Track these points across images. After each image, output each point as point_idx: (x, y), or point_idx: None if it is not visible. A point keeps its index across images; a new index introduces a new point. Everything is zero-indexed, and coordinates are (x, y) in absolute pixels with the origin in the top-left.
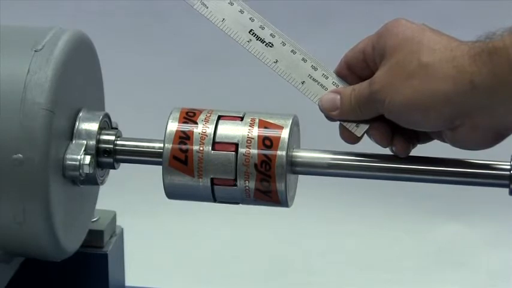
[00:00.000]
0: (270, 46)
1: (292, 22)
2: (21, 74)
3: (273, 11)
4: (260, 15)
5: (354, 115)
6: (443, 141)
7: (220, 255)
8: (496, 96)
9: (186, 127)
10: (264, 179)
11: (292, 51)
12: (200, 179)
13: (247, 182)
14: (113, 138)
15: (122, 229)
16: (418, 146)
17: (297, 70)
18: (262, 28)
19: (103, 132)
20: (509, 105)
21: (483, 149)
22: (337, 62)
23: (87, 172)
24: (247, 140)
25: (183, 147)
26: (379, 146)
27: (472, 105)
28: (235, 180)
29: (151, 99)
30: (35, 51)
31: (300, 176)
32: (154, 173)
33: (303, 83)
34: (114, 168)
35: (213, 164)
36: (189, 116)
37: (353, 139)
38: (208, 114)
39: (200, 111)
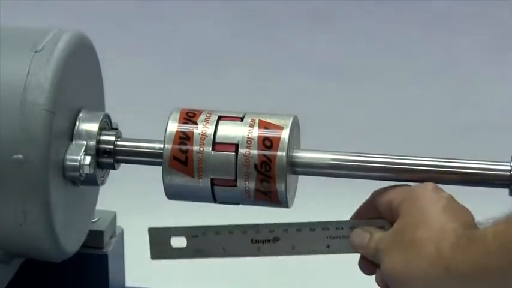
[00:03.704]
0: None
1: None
2: (22, 75)
3: (273, 10)
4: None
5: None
6: None
7: None
8: (469, 283)
9: (186, 127)
10: (264, 179)
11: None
12: (200, 180)
13: (247, 182)
14: (113, 138)
15: (122, 229)
16: (418, 146)
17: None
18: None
19: (103, 132)
20: None
21: None
22: (336, 62)
23: (87, 172)
24: (247, 140)
25: (183, 147)
26: (380, 146)
27: None
28: (235, 180)
29: (152, 100)
30: (35, 52)
31: (300, 176)
32: (154, 173)
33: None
34: (114, 168)
35: (213, 165)
36: (189, 117)
37: (370, 270)
38: (209, 115)
39: (200, 112)
